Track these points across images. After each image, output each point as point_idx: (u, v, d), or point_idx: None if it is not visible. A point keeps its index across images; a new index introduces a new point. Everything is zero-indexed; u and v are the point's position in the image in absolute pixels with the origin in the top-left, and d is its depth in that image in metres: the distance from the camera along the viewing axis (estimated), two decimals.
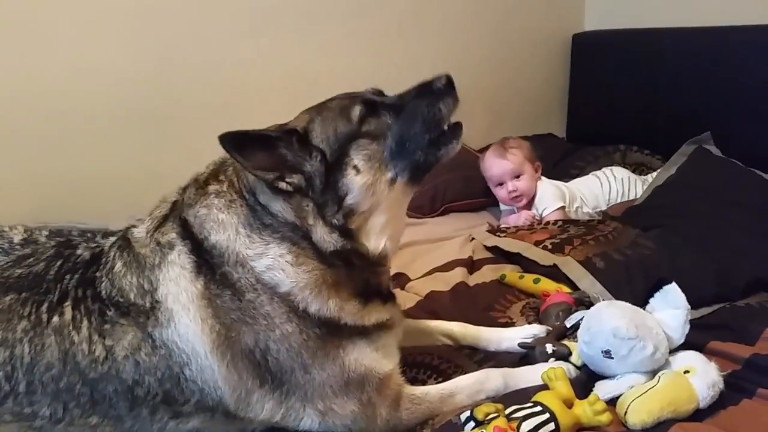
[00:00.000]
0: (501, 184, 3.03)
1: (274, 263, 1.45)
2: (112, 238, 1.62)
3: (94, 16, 2.52)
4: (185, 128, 2.76)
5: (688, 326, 1.61)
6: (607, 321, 1.58)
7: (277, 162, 1.42)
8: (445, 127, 1.53)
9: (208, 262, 1.48)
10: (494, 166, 3.03)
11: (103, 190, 2.61)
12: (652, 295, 1.67)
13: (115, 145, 2.65)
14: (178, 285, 1.47)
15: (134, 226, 1.62)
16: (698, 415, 1.48)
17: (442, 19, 3.63)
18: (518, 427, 1.36)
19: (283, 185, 1.43)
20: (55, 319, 1.48)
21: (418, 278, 2.32)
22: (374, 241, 1.53)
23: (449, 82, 1.53)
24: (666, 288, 1.63)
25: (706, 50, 3.19)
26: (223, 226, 1.48)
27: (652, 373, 1.56)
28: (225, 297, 1.46)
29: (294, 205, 1.46)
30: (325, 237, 1.47)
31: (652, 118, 3.52)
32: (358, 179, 1.45)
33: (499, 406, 1.41)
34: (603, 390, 1.56)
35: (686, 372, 1.53)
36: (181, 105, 2.77)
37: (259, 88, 2.96)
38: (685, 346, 1.64)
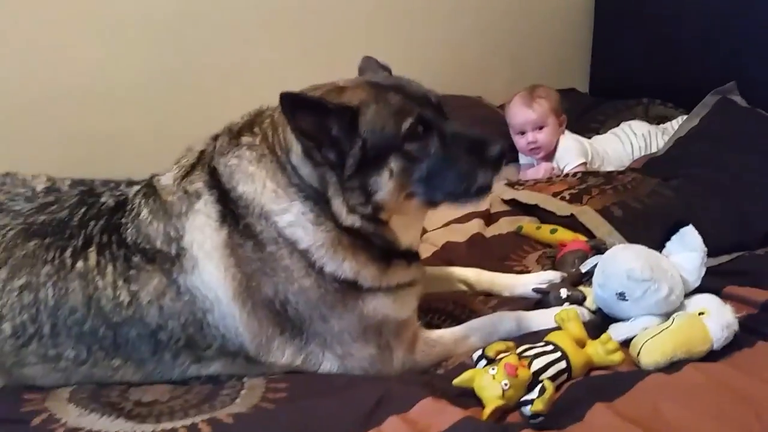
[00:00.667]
0: (522, 133, 2.98)
1: (296, 220, 1.47)
2: (137, 187, 1.64)
3: None
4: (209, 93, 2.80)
5: (704, 269, 1.61)
6: (621, 263, 1.58)
7: (322, 131, 1.40)
8: (473, 190, 1.47)
9: (233, 212, 1.50)
10: (518, 114, 2.97)
11: (131, 147, 2.65)
12: (669, 238, 1.67)
13: (142, 105, 2.70)
14: (203, 233, 1.50)
15: (159, 175, 1.64)
16: (712, 356, 1.49)
17: None
18: (529, 365, 1.38)
19: (317, 156, 1.43)
20: (80, 263, 1.52)
21: (435, 230, 2.32)
22: (401, 235, 1.55)
23: (501, 156, 1.46)
24: (682, 230, 1.62)
25: None
26: (252, 178, 1.50)
27: (667, 316, 1.56)
28: (247, 247, 1.48)
29: (319, 173, 1.46)
30: (342, 213, 1.46)
31: (678, 69, 3.41)
32: (390, 183, 1.42)
33: (510, 344, 1.43)
34: (617, 332, 1.57)
35: (701, 314, 1.53)
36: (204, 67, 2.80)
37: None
38: (701, 290, 1.64)
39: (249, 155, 1.52)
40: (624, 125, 3.13)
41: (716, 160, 2.41)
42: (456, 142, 1.45)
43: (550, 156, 2.98)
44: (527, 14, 3.80)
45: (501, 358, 1.37)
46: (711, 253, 1.94)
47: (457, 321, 1.74)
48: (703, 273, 1.60)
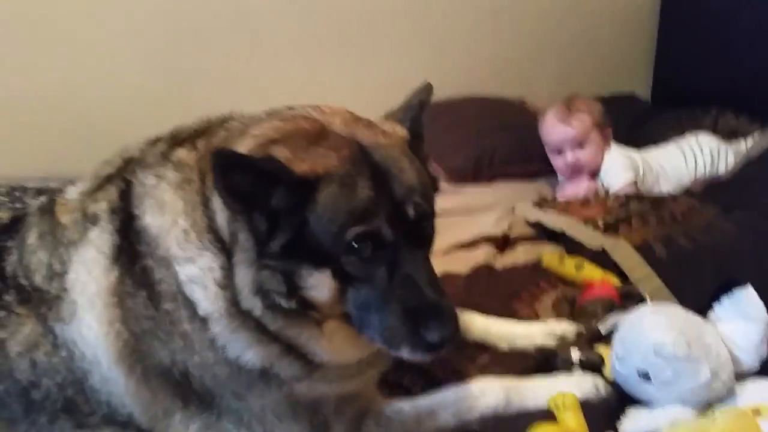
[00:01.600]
0: (560, 152, 2.61)
1: (198, 276, 1.14)
2: (43, 198, 1.36)
3: None
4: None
5: (766, 347, 1.19)
6: (648, 332, 1.22)
7: (258, 196, 1.07)
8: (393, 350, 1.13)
9: (132, 248, 1.19)
10: (555, 131, 2.62)
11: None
12: (719, 299, 1.27)
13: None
14: (89, 272, 1.20)
15: (72, 184, 1.34)
16: None
17: None
18: None
19: (242, 218, 1.11)
20: None
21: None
22: (333, 348, 1.19)
23: (439, 346, 1.10)
24: (738, 293, 1.22)
25: None
26: (163, 208, 1.18)
27: (704, 408, 1.18)
28: (139, 299, 1.18)
29: (232, 229, 1.13)
30: (244, 290, 1.12)
31: (752, 77, 3.02)
32: (329, 284, 1.09)
33: None
34: (634, 422, 1.19)
35: (756, 412, 1.11)
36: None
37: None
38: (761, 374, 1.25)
39: (171, 177, 1.20)
40: (690, 137, 2.75)
41: None
42: (405, 289, 1.11)
43: (595, 175, 2.60)
44: (581, 8, 3.47)
45: None
46: None
47: (433, 384, 1.39)
48: (765, 353, 1.18)
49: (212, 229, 1.15)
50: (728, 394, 1.20)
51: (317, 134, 1.13)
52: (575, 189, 2.55)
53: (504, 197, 2.52)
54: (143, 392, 1.20)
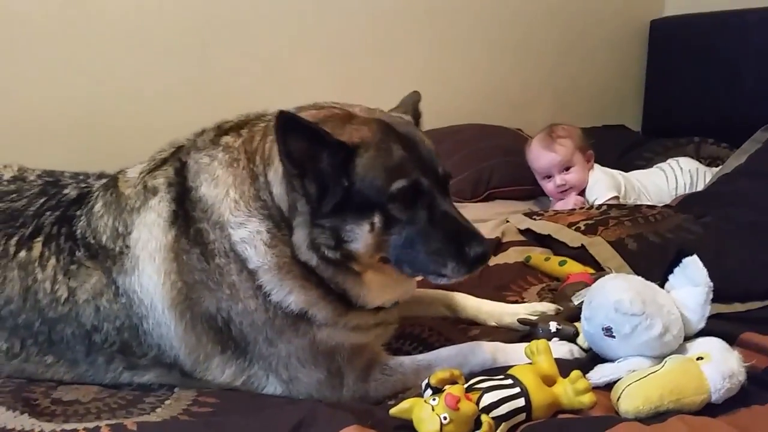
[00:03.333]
0: (548, 177, 2.80)
1: (249, 237, 1.35)
2: (105, 179, 1.58)
3: None
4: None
5: (709, 307, 1.37)
6: (610, 293, 1.38)
7: (310, 160, 1.28)
8: (438, 276, 1.34)
9: (187, 214, 1.40)
10: (541, 157, 2.80)
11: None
12: (672, 271, 1.44)
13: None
14: (150, 232, 1.41)
15: (130, 167, 1.57)
16: (711, 410, 1.25)
17: None
18: (479, 399, 1.19)
19: (297, 184, 1.31)
20: (23, 253, 1.46)
21: None
22: (371, 293, 1.40)
23: (481, 259, 1.32)
24: (685, 261, 1.40)
25: None
26: (217, 182, 1.39)
27: (660, 359, 1.34)
28: (193, 255, 1.38)
29: (291, 198, 1.34)
30: (302, 246, 1.33)
31: (734, 108, 3.23)
32: (368, 238, 1.30)
33: (457, 372, 1.24)
34: (600, 372, 1.36)
35: (699, 359, 1.30)
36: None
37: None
38: (713, 335, 1.41)
39: (221, 157, 1.42)
40: (671, 160, 2.93)
41: (757, 199, 2.14)
42: (445, 222, 1.32)
43: (582, 193, 2.78)
44: (576, 46, 3.70)
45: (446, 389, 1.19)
46: (738, 298, 1.75)
47: (430, 349, 1.56)
48: (707, 312, 1.37)
49: (260, 199, 1.35)
50: (679, 349, 1.35)
51: (347, 117, 1.37)
52: (564, 203, 2.74)
53: (499, 212, 2.70)
54: (190, 336, 1.37)
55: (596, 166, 2.80)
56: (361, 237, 1.30)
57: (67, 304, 1.41)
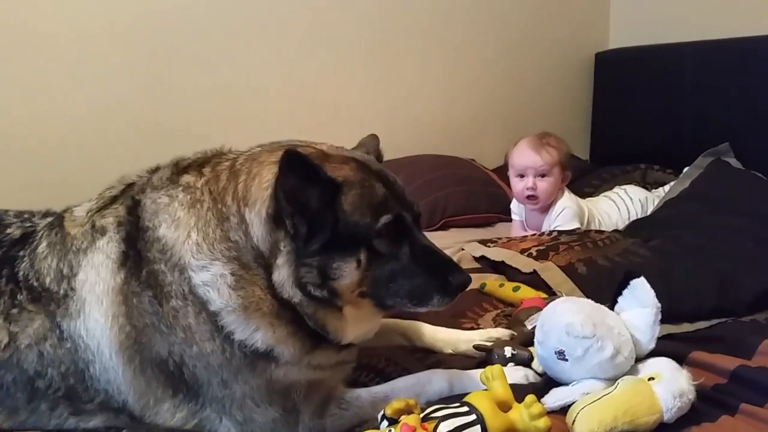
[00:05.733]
0: (522, 176, 2.75)
1: (212, 280, 1.31)
2: (50, 218, 1.53)
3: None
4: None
5: (658, 327, 1.40)
6: (561, 316, 1.40)
7: (301, 198, 1.28)
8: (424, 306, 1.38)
9: (140, 255, 1.36)
10: (523, 156, 2.75)
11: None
12: (621, 293, 1.47)
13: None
14: (98, 274, 1.37)
15: (77, 206, 1.52)
16: (662, 429, 1.28)
17: (460, 33, 3.60)
18: (435, 428, 1.18)
19: (289, 222, 1.29)
20: None
21: None
22: (348, 328, 1.40)
23: (462, 287, 1.38)
24: (633, 283, 1.43)
25: (730, 62, 3.00)
26: (177, 223, 1.35)
27: (613, 380, 1.35)
28: (144, 297, 1.34)
29: (274, 238, 1.32)
30: (286, 285, 1.31)
31: (676, 135, 3.36)
32: (355, 274, 1.31)
33: (412, 401, 1.23)
34: (554, 396, 1.37)
35: (651, 379, 1.32)
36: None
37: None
38: (663, 355, 1.43)
39: (182, 197, 1.38)
40: (618, 189, 2.98)
41: (701, 221, 2.23)
42: (425, 256, 1.37)
43: (545, 209, 2.78)
44: (524, 79, 3.81)
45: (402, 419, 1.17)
46: (687, 318, 1.80)
47: (387, 379, 1.55)
48: (657, 332, 1.40)
49: (228, 240, 1.32)
50: (631, 370, 1.37)
51: (322, 156, 1.36)
52: (515, 231, 2.81)
53: (457, 240, 2.71)
54: (139, 381, 1.33)
55: (566, 192, 2.80)
56: (348, 274, 1.30)
57: (7, 349, 1.35)
